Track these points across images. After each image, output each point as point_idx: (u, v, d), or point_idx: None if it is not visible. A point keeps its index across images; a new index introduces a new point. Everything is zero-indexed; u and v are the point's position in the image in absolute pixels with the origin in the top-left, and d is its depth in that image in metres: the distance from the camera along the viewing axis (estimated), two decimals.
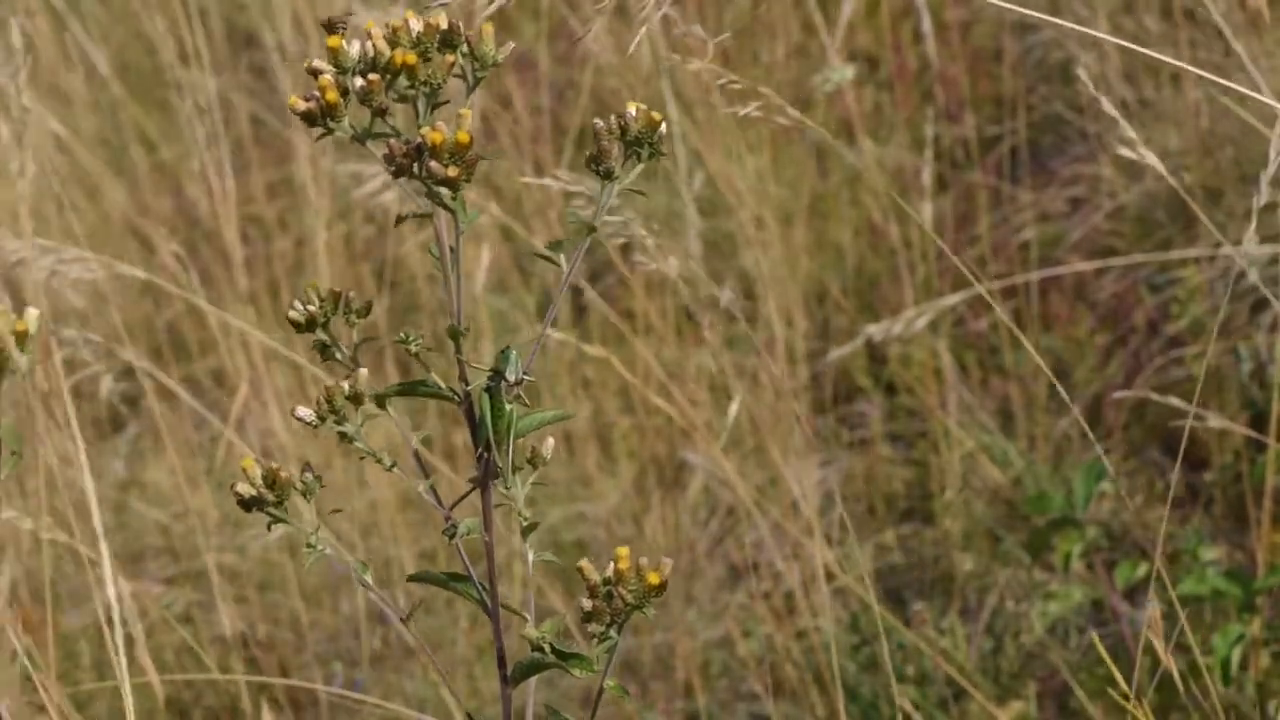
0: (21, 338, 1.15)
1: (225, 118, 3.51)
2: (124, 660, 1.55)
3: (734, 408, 1.98)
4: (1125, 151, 1.61)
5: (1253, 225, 1.42)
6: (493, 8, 1.40)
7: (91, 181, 3.45)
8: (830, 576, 2.33)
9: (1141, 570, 2.17)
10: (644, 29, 1.32)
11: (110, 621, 1.66)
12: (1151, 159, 1.58)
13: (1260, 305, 2.54)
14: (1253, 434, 2.05)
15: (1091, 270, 2.71)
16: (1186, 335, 2.60)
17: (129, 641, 1.76)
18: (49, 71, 3.67)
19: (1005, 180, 3.04)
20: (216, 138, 2.74)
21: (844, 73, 2.53)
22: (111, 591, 1.65)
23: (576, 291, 2.96)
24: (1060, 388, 1.50)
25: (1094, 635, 1.76)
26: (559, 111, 3.12)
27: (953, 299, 2.33)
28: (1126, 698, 1.53)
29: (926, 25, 2.87)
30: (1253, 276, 1.66)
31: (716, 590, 2.56)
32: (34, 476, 2.77)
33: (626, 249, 2.41)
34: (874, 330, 2.26)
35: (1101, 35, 1.17)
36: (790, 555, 2.39)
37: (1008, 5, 1.25)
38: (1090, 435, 1.55)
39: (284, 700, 2.48)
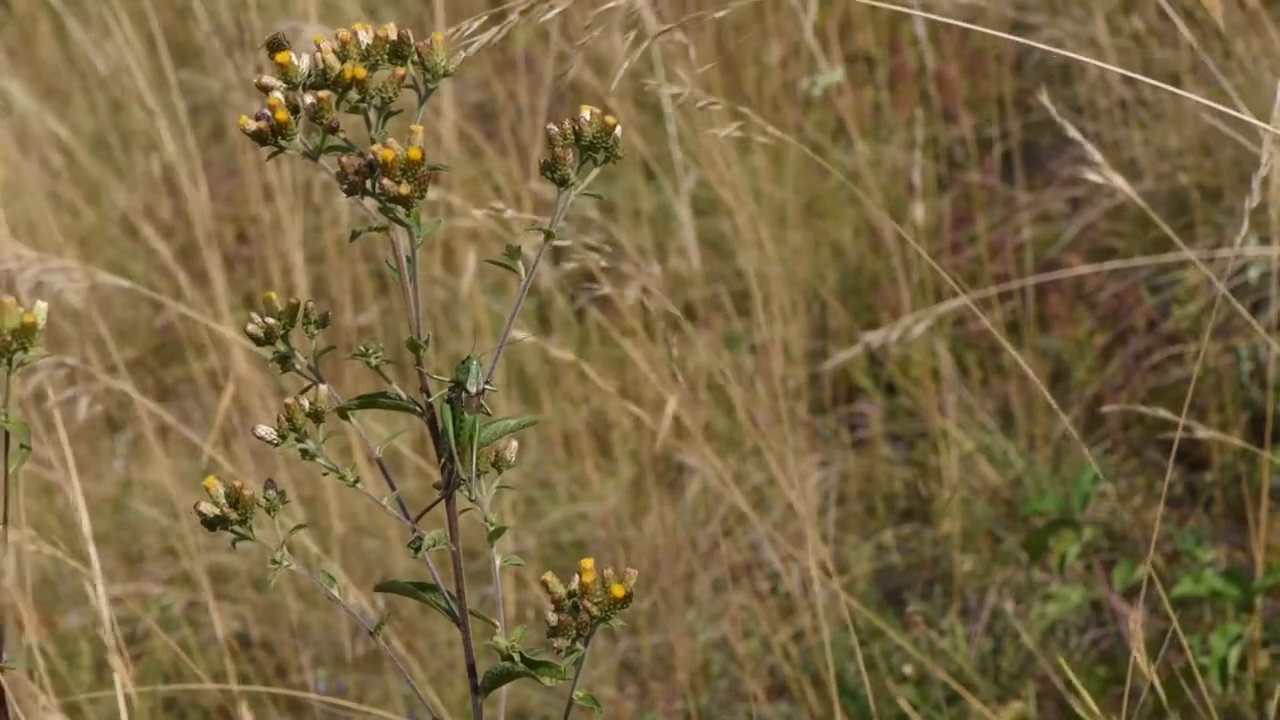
0: (29, 330, 1.14)
1: (225, 118, 3.50)
2: (122, 664, 1.55)
3: (669, 407, 1.97)
4: (1092, 176, 1.61)
5: (1244, 228, 1.42)
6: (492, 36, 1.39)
7: (91, 182, 3.45)
8: (828, 576, 2.32)
9: (1140, 571, 2.17)
10: (626, 64, 1.32)
11: (104, 629, 1.66)
12: (1118, 181, 1.57)
13: (1260, 305, 2.54)
14: (1242, 443, 2.05)
15: (1091, 270, 2.70)
16: (1186, 335, 2.60)
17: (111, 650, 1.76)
18: (49, 72, 3.67)
19: (1004, 180, 3.03)
20: (186, 141, 2.73)
21: (832, 75, 2.52)
22: (102, 601, 1.65)
23: (574, 294, 2.96)
24: (1051, 399, 1.49)
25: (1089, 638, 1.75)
26: (557, 112, 3.11)
27: (950, 304, 2.32)
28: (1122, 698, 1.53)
29: (921, 29, 2.86)
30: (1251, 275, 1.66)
31: (716, 591, 2.56)
32: (32, 478, 2.77)
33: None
34: (871, 338, 2.25)
35: (1076, 56, 1.16)
36: (788, 556, 2.39)
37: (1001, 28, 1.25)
38: (1083, 443, 1.55)
39: (281, 703, 2.48)
